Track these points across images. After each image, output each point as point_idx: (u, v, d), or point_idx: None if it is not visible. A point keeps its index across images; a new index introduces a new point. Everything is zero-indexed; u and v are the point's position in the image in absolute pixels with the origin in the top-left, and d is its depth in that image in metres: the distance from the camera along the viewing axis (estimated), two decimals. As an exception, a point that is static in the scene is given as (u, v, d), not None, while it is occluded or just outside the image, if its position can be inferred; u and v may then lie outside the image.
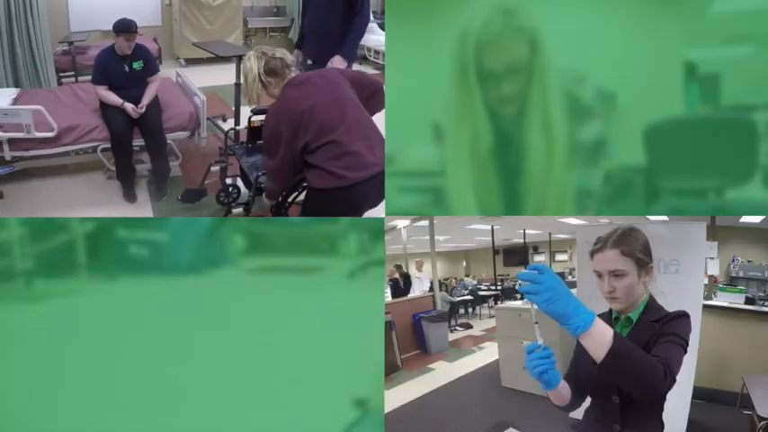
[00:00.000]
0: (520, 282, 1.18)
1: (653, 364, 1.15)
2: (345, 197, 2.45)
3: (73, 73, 5.56)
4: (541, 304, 1.13)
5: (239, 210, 3.59)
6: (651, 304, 1.36)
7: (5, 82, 4.50)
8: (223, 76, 5.13)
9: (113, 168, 3.82)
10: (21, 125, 3.52)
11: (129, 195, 3.82)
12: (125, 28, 3.63)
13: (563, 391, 1.40)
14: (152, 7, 7.08)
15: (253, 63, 2.50)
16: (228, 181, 3.63)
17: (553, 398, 1.42)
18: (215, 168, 3.69)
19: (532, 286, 1.14)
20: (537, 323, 1.27)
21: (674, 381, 1.18)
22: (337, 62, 3.61)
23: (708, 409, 3.49)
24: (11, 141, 3.55)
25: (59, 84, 5.22)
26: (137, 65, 3.75)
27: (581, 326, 1.13)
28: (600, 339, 1.13)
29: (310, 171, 2.46)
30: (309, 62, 3.79)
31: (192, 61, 6.92)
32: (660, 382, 1.15)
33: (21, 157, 3.65)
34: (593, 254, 1.37)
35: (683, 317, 1.31)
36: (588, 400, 1.46)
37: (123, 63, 3.72)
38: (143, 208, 3.81)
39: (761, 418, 2.59)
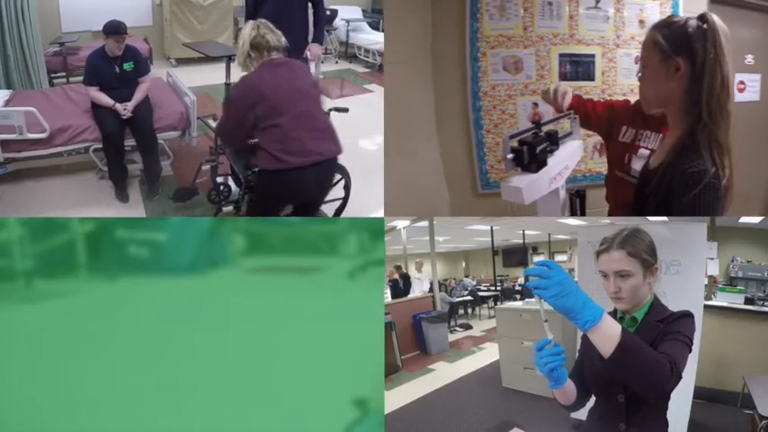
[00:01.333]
0: (528, 277, 1.17)
1: (660, 361, 1.16)
2: (286, 180, 2.62)
3: (64, 74, 5.55)
4: (550, 299, 1.13)
5: (230, 208, 3.61)
6: (656, 304, 1.37)
7: (-3, 83, 4.50)
8: (213, 75, 5.12)
9: (105, 168, 3.83)
10: (13, 127, 3.51)
11: (122, 195, 3.83)
12: (115, 30, 3.63)
13: (569, 389, 1.40)
14: (143, 7, 7.02)
15: (247, 31, 2.70)
16: (220, 180, 3.64)
17: (559, 396, 1.42)
18: (206, 167, 3.70)
19: (541, 281, 1.13)
20: (546, 321, 1.27)
21: (680, 378, 1.19)
22: (315, 49, 3.77)
23: (708, 409, 3.49)
24: (3, 143, 3.54)
25: (51, 85, 5.20)
26: (127, 66, 3.75)
27: (590, 320, 1.12)
28: (608, 334, 1.13)
29: (257, 154, 2.65)
30: None
31: (182, 61, 6.90)
32: (667, 378, 1.15)
33: (13, 159, 3.66)
34: (598, 254, 1.38)
35: (687, 317, 1.32)
36: (593, 400, 1.46)
37: (114, 64, 3.72)
38: (135, 208, 3.82)
39: (762, 417, 2.59)
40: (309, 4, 3.91)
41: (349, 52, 7.90)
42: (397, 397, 4.33)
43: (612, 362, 1.13)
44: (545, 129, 2.17)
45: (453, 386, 4.76)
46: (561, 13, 3.48)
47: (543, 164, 2.05)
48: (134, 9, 6.68)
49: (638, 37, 3.57)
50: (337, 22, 7.86)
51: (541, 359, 1.26)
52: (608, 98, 3.49)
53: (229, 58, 3.75)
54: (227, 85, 3.81)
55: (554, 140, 2.12)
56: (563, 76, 3.53)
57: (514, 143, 2.04)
